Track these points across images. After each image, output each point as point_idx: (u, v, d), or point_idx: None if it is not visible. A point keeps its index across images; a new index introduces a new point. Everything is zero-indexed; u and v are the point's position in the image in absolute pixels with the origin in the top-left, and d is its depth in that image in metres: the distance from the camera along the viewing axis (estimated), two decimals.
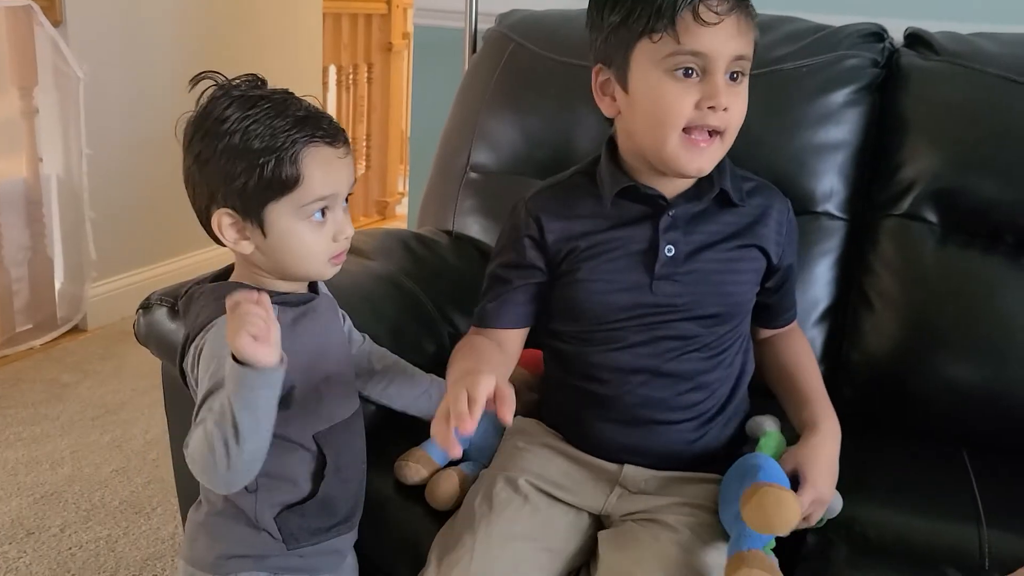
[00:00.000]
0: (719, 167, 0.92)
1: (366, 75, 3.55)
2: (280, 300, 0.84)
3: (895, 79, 1.24)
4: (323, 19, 3.21)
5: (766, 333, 1.04)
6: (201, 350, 0.82)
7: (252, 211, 0.82)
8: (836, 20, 1.29)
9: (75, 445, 1.89)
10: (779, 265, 0.97)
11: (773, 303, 1.01)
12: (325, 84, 3.33)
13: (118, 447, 1.90)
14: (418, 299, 1.18)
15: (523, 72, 1.37)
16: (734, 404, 0.96)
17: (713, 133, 0.86)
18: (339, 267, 0.88)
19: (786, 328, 1.04)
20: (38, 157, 2.35)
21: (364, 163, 3.64)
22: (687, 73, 0.85)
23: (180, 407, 1.13)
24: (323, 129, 0.82)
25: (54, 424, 1.98)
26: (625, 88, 0.89)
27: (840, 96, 1.22)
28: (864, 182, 1.23)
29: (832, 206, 1.22)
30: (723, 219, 0.94)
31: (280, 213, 0.82)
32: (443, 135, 1.47)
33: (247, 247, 0.84)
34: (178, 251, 2.70)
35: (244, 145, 0.80)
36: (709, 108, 0.84)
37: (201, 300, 0.86)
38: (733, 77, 0.86)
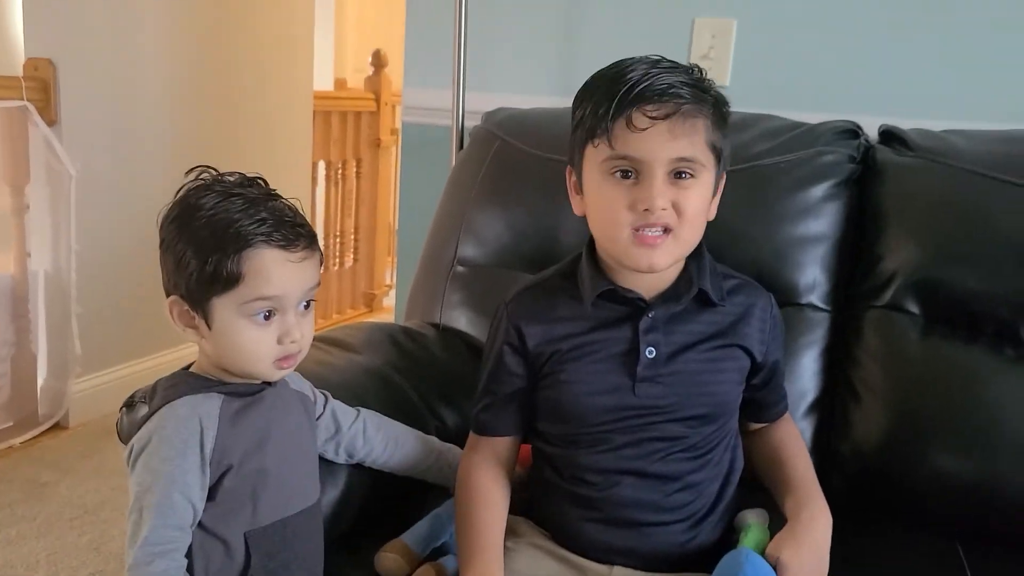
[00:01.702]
0: (698, 267, 0.93)
1: (355, 170, 3.61)
2: (227, 391, 0.85)
3: (872, 174, 1.27)
4: (313, 116, 3.29)
5: (756, 426, 1.03)
6: (137, 454, 0.83)
7: (198, 302, 0.83)
8: (812, 118, 1.33)
9: (52, 547, 1.84)
10: (764, 363, 0.97)
11: (761, 398, 1.01)
12: (314, 179, 3.38)
13: (95, 549, 1.84)
14: (405, 393, 1.17)
15: (509, 168, 1.40)
16: (724, 503, 0.95)
17: (666, 230, 0.87)
18: (287, 370, 0.87)
19: (777, 420, 1.04)
20: (26, 253, 2.36)
21: (352, 256, 3.67)
22: (625, 175, 0.87)
23: None
24: (281, 232, 0.83)
25: (31, 525, 1.93)
26: (580, 190, 0.93)
27: (819, 190, 1.25)
28: (846, 274, 1.24)
29: (816, 298, 1.23)
30: (704, 319, 0.94)
31: (223, 307, 0.83)
32: (430, 229, 1.49)
33: (195, 336, 0.85)
34: (163, 346, 2.68)
35: (199, 236, 0.82)
36: (645, 210, 0.86)
37: (158, 391, 0.86)
38: (680, 175, 0.87)
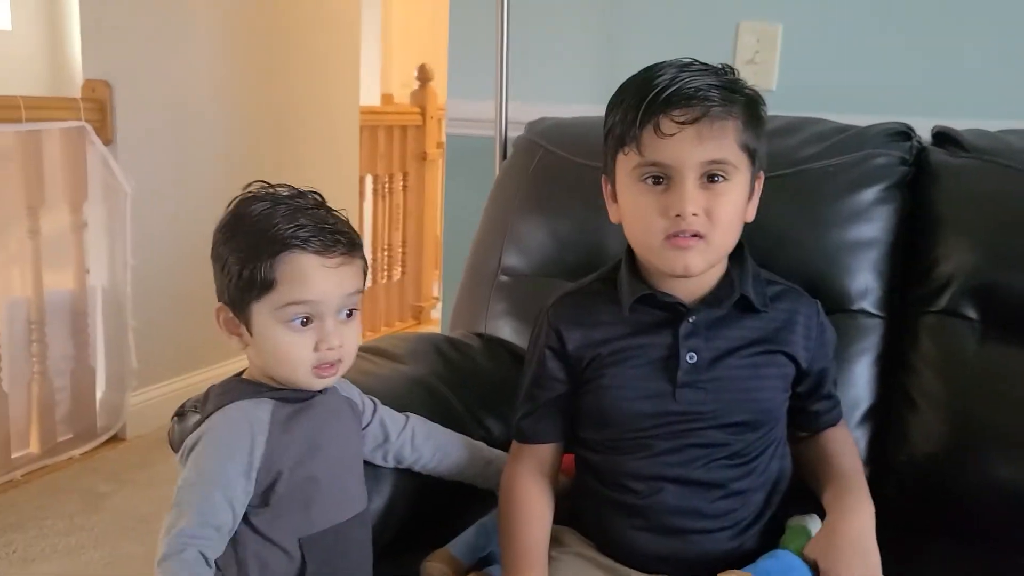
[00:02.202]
0: (740, 272, 0.92)
1: (402, 183, 3.65)
2: (278, 396, 0.86)
3: (925, 176, 1.24)
4: (360, 132, 3.33)
5: (805, 433, 1.01)
6: (187, 453, 0.84)
7: (240, 308, 0.85)
8: (861, 120, 1.31)
9: (109, 557, 1.88)
10: (810, 370, 0.95)
11: (809, 407, 0.99)
12: (362, 193, 3.42)
13: (151, 559, 1.88)
14: (450, 403, 1.17)
15: (552, 177, 1.40)
16: (771, 511, 0.93)
17: (699, 235, 0.86)
18: (328, 380, 0.86)
19: (829, 428, 1.01)
20: (85, 269, 2.42)
21: (400, 269, 3.70)
22: (656, 181, 0.87)
23: None
24: (317, 238, 0.83)
25: (89, 535, 1.97)
26: (615, 197, 0.93)
27: (870, 194, 1.22)
28: (899, 279, 1.21)
29: (868, 304, 1.20)
30: (746, 324, 0.93)
31: (260, 313, 0.84)
32: (475, 239, 1.49)
33: (239, 344, 0.87)
34: (218, 359, 2.73)
35: (240, 243, 0.84)
36: (676, 216, 0.85)
37: (211, 397, 0.88)
38: (713, 178, 0.86)
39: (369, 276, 3.48)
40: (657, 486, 0.90)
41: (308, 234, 0.83)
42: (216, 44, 2.71)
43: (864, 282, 1.20)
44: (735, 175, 0.87)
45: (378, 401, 1.00)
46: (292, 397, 0.87)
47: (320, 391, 0.89)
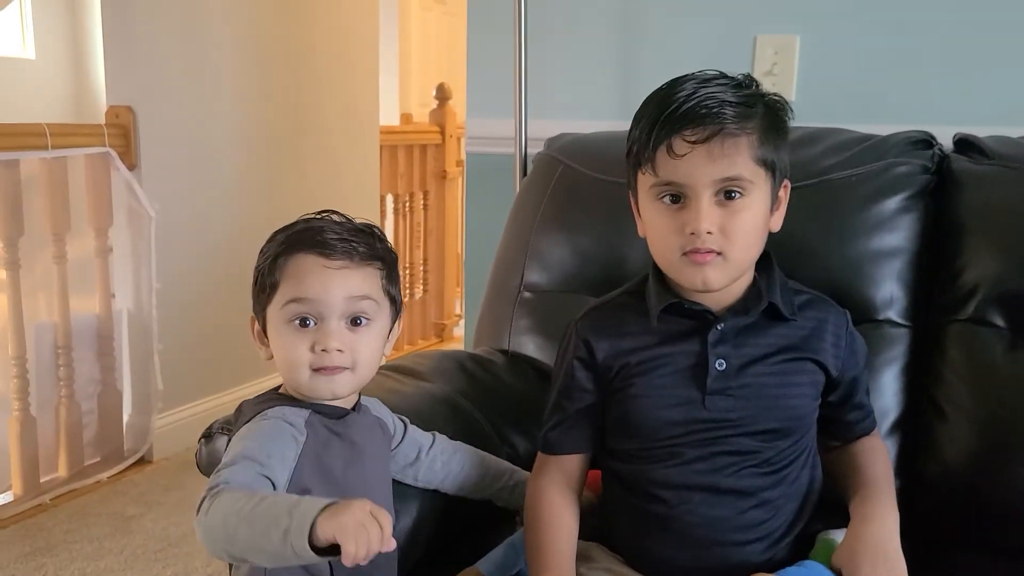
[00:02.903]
0: (768, 281, 0.93)
1: (422, 202, 3.67)
2: (315, 407, 0.87)
3: (947, 184, 1.23)
4: (380, 151, 3.35)
5: (838, 443, 1.00)
6: (241, 430, 0.85)
7: (258, 314, 0.87)
8: (882, 129, 1.30)
9: None
10: (840, 379, 0.95)
11: (841, 416, 0.98)
12: (383, 212, 3.45)
13: None
14: (475, 420, 1.17)
15: (573, 192, 1.40)
16: (803, 523, 0.92)
17: (716, 251, 0.87)
18: (330, 384, 0.85)
19: (861, 438, 1.00)
20: (111, 293, 2.45)
21: (422, 287, 3.71)
22: (673, 199, 0.88)
23: None
24: (322, 240, 0.85)
25: (118, 558, 1.98)
26: (639, 213, 0.94)
27: (893, 203, 1.21)
28: (925, 288, 1.20)
29: (894, 313, 1.19)
30: (775, 332, 0.93)
31: (271, 316, 0.86)
32: (496, 256, 1.50)
33: (266, 354, 0.89)
34: (242, 380, 2.75)
35: (265, 252, 0.87)
36: (691, 234, 0.86)
37: (245, 410, 0.89)
38: (730, 195, 0.86)
39: None
40: (686, 495, 0.90)
41: (312, 236, 0.85)
42: (237, 68, 2.74)
43: (889, 291, 1.19)
44: (752, 190, 0.87)
45: (408, 420, 1.00)
46: (328, 411, 0.88)
47: (353, 410, 0.90)
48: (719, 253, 0.87)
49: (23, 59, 4.86)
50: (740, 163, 0.86)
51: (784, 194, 0.93)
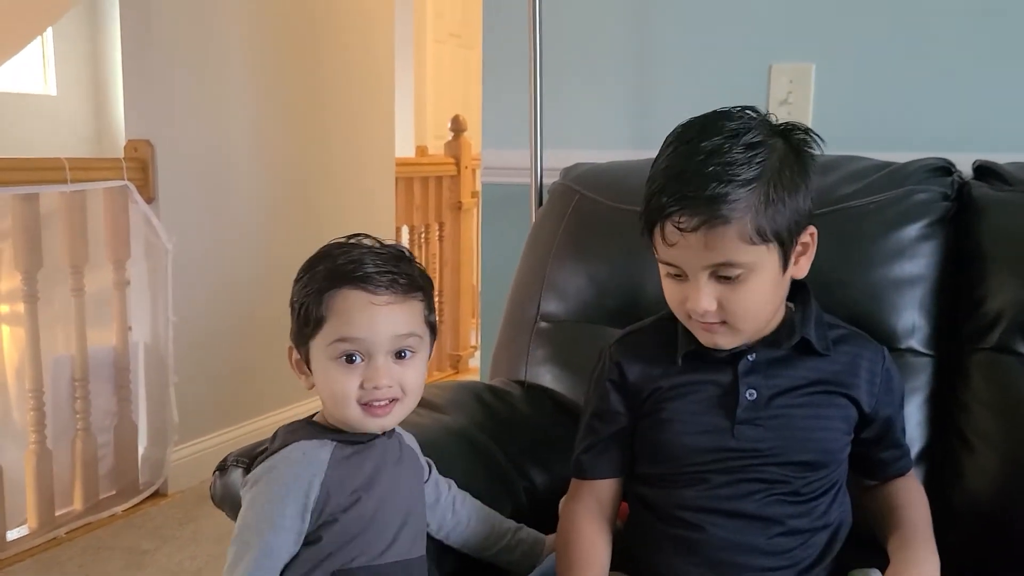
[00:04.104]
0: (803, 315, 0.92)
1: (437, 233, 3.67)
2: (341, 439, 0.87)
3: (968, 211, 1.22)
4: (396, 183, 3.37)
5: (874, 482, 0.99)
6: (250, 488, 0.85)
7: (300, 345, 0.87)
8: (900, 157, 1.29)
9: None
10: (874, 416, 0.94)
11: (875, 455, 0.97)
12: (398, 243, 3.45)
13: None
14: (492, 454, 1.15)
15: (589, 222, 1.40)
16: (832, 556, 0.91)
17: (722, 321, 0.87)
18: (381, 420, 0.86)
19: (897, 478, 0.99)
20: (127, 326, 2.46)
21: (437, 318, 3.70)
22: (677, 276, 0.88)
23: None
24: (368, 275, 0.84)
25: None
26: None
27: (913, 230, 1.20)
28: (947, 316, 1.18)
29: (916, 342, 1.18)
30: (807, 365, 0.92)
31: (316, 349, 0.86)
32: (512, 286, 1.49)
33: (307, 383, 0.88)
34: (257, 412, 2.75)
35: (305, 282, 0.86)
36: (690, 310, 0.87)
37: (278, 436, 0.89)
38: (726, 275, 0.86)
39: None
40: (711, 519, 0.89)
41: (360, 271, 0.84)
42: (252, 102, 2.77)
43: (911, 320, 1.18)
44: (753, 268, 0.86)
45: (432, 463, 1.00)
46: (355, 439, 0.88)
47: (382, 434, 0.89)
48: (725, 323, 0.88)
49: (45, 95, 4.95)
50: (732, 249, 0.84)
51: (811, 239, 0.91)
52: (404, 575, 0.89)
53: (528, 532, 1.05)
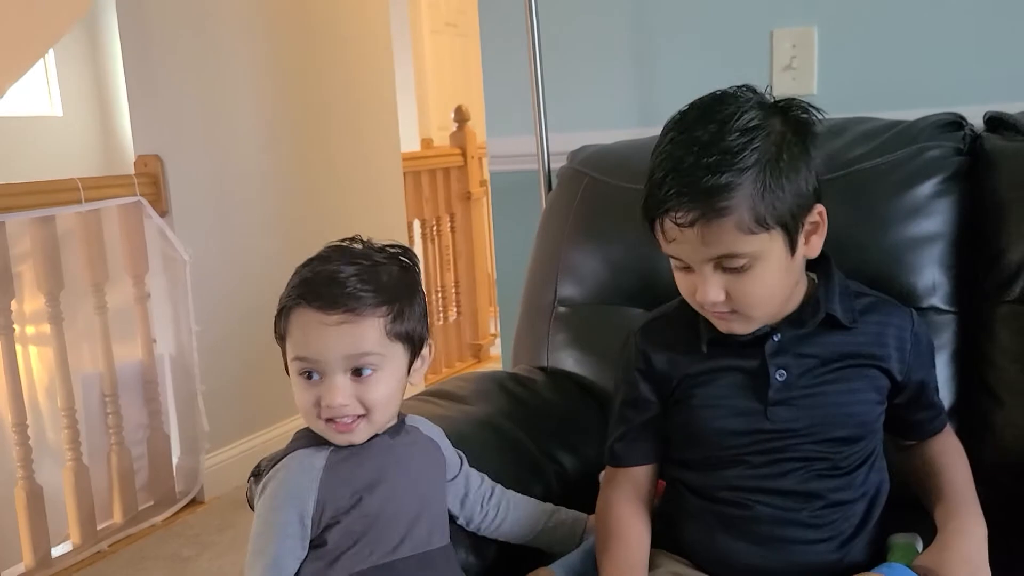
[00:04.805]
0: (827, 289, 0.92)
1: (449, 225, 3.68)
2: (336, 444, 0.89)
3: (982, 165, 1.20)
4: (404, 178, 3.37)
5: (911, 442, 0.99)
6: (259, 496, 0.88)
7: (284, 355, 0.89)
8: (910, 115, 1.28)
9: None
10: (906, 382, 0.93)
11: (910, 416, 0.97)
12: (411, 238, 3.46)
13: None
14: (520, 441, 1.16)
15: (600, 203, 1.39)
16: (873, 522, 0.91)
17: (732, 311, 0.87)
18: (346, 436, 0.87)
19: (934, 436, 0.99)
20: (152, 339, 2.48)
21: (455, 309, 3.72)
22: (684, 268, 0.88)
23: None
24: (318, 294, 0.84)
25: None
26: None
27: (927, 188, 1.19)
28: (968, 272, 1.18)
29: (938, 300, 1.17)
30: (835, 339, 0.91)
31: (288, 361, 0.88)
32: (528, 273, 1.49)
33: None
34: (284, 416, 2.77)
35: (286, 287, 0.88)
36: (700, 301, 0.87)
37: (292, 440, 0.92)
38: (730, 264, 0.85)
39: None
40: (754, 497, 0.90)
41: (316, 289, 0.85)
42: (256, 109, 2.78)
43: (931, 278, 1.17)
44: (758, 256, 0.84)
45: (464, 457, 1.01)
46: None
47: (384, 433, 0.90)
48: (737, 311, 0.87)
49: (51, 117, 4.98)
50: (732, 241, 0.83)
51: (820, 218, 0.90)
52: (423, 567, 0.89)
53: (567, 513, 1.05)
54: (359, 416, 0.86)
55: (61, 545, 2.28)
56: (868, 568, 0.87)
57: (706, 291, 0.86)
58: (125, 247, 2.42)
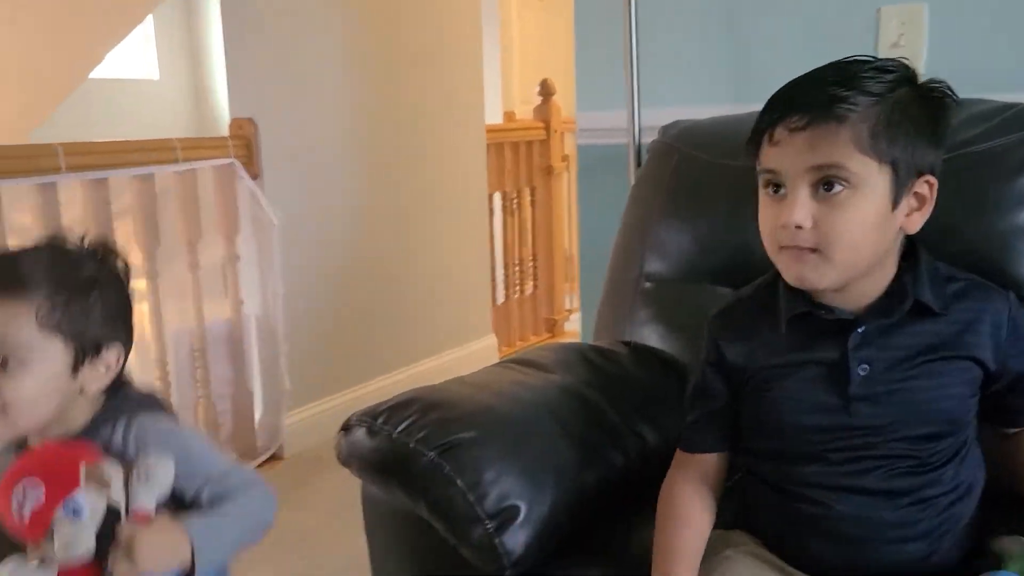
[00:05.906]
0: (914, 276, 0.87)
1: (529, 199, 3.68)
2: None
3: None
4: (487, 149, 3.38)
5: (1012, 431, 0.94)
6: None
7: None
8: (1022, 98, 1.22)
9: (273, 573, 1.96)
10: (1002, 371, 0.88)
11: (1010, 403, 0.91)
12: (491, 211, 3.48)
13: (313, 574, 1.95)
14: (603, 411, 1.16)
15: (691, 179, 1.38)
16: (966, 520, 0.87)
17: (814, 249, 0.83)
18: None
19: None
20: (240, 299, 2.56)
21: (532, 283, 3.73)
22: (776, 189, 0.85)
23: (381, 530, 1.16)
24: None
25: (256, 552, 2.05)
26: None
27: None
28: None
29: None
30: (924, 330, 0.87)
31: None
32: (614, 247, 1.49)
33: None
34: (364, 378, 2.83)
35: None
36: (784, 227, 0.83)
37: None
38: (829, 186, 0.81)
39: (502, 291, 3.56)
40: (834, 496, 0.87)
41: None
42: (345, 76, 2.82)
43: None
44: (859, 184, 0.81)
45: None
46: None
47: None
48: (817, 251, 0.82)
49: (149, 80, 5.15)
50: (840, 152, 0.80)
51: (929, 191, 0.86)
52: None
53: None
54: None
55: None
56: (959, 571, 0.84)
57: (793, 211, 0.82)
58: (218, 208, 2.49)
